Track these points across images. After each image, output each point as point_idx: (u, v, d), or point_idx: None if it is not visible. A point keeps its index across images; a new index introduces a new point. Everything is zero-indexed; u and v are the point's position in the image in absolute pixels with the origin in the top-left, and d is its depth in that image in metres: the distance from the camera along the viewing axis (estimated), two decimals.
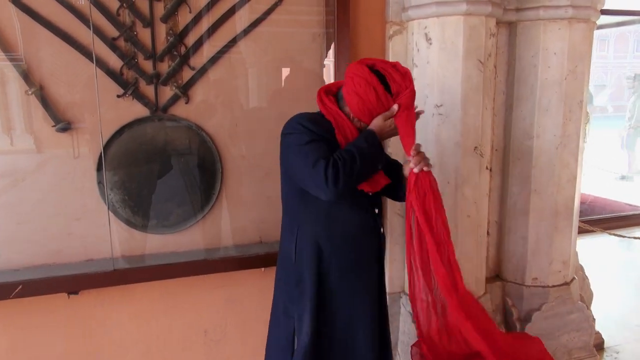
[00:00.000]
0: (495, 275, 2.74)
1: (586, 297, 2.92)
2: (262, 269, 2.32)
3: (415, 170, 1.65)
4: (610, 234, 4.27)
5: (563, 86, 2.40)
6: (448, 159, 2.30)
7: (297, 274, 1.74)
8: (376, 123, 1.63)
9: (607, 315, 3.23)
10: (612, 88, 7.38)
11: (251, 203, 2.35)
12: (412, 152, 1.64)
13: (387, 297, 2.57)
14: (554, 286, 2.59)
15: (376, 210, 1.78)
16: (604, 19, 3.27)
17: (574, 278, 2.69)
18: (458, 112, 2.25)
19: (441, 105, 2.27)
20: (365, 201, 1.74)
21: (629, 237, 4.23)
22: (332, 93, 1.72)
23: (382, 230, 1.82)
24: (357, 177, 1.57)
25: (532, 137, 2.47)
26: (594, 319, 2.72)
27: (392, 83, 1.60)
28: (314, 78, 2.35)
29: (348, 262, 1.73)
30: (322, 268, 1.70)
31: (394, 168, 1.84)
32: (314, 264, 1.69)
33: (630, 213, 5.43)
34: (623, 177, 7.26)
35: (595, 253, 4.36)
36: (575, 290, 2.68)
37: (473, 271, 2.43)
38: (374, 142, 1.60)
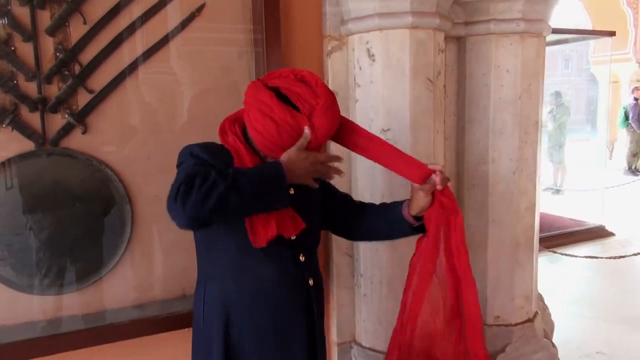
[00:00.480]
0: None
1: (548, 329, 2.73)
2: (186, 329, 1.92)
3: (439, 187, 1.43)
4: (557, 252, 4.18)
5: (518, 106, 2.19)
6: (397, 190, 2.02)
7: (206, 340, 1.42)
8: (287, 154, 1.28)
9: (566, 342, 3.05)
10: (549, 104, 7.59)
11: (170, 250, 1.96)
12: (430, 167, 1.43)
13: (335, 348, 2.25)
14: (517, 324, 2.36)
15: (302, 258, 1.43)
16: None
17: (536, 312, 2.48)
18: (408, 138, 1.98)
19: (388, 130, 2.00)
20: (285, 249, 1.39)
21: (581, 257, 4.14)
22: (242, 121, 1.39)
23: (313, 279, 1.46)
24: (228, 208, 1.18)
25: (487, 162, 2.25)
26: (557, 355, 2.51)
27: (299, 103, 1.27)
28: (238, 102, 2.01)
29: (265, 324, 1.39)
30: (233, 333, 1.37)
31: (344, 202, 1.58)
32: (222, 329, 1.37)
33: (576, 229, 5.43)
34: (557, 191, 7.40)
35: (546, 274, 4.25)
36: (539, 325, 2.46)
37: None
38: (275, 174, 1.23)
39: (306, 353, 1.43)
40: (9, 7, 1.65)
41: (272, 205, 1.26)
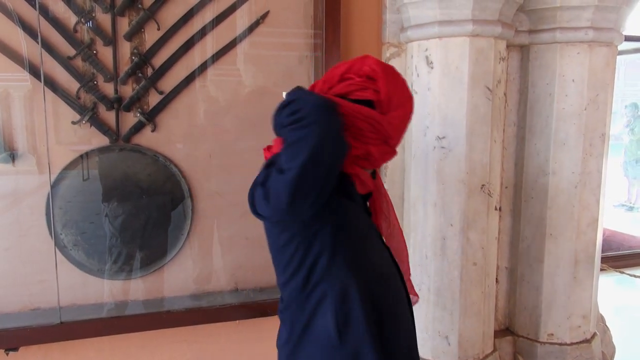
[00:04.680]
0: (506, 329, 2.41)
1: (608, 353, 2.59)
2: (237, 321, 2.02)
3: None
4: (624, 273, 3.93)
5: (583, 117, 2.11)
6: (451, 199, 2.01)
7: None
8: None
9: None
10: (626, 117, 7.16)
11: (226, 246, 2.06)
12: None
13: None
14: (572, 343, 2.26)
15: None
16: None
17: (595, 333, 2.36)
18: (463, 146, 1.97)
19: (444, 138, 1.99)
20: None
21: None
22: None
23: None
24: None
25: (547, 174, 2.18)
26: None
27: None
28: None
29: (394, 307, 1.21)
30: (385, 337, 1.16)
31: None
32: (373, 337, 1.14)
33: None
34: (630, 208, 6.95)
35: (611, 295, 4.01)
36: (597, 347, 2.35)
37: (480, 326, 2.11)
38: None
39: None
40: (94, 14, 1.81)
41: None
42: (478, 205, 2.03)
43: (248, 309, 2.00)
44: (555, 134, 2.14)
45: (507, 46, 2.11)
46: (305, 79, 2.07)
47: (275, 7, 2.02)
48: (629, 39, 4.14)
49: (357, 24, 2.08)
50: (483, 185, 2.03)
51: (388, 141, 1.14)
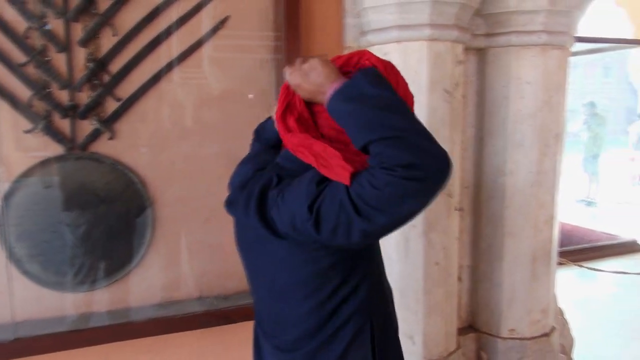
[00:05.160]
0: (469, 326, 2.47)
1: (567, 345, 2.68)
2: (201, 330, 1.99)
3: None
4: (583, 267, 4.08)
5: (538, 118, 2.18)
6: None
7: None
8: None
9: (588, 359, 2.98)
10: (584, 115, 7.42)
11: (190, 253, 2.04)
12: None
13: None
14: (532, 338, 2.34)
15: None
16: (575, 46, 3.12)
17: (554, 327, 2.44)
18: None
19: None
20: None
21: (609, 272, 4.03)
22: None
23: None
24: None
25: (505, 174, 2.24)
26: None
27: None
28: (263, 110, 2.07)
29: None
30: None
31: None
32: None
33: (607, 243, 5.27)
34: (590, 204, 7.19)
35: (572, 288, 4.15)
36: (555, 340, 2.43)
37: (443, 325, 2.16)
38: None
39: None
40: (46, 20, 1.76)
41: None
42: (439, 207, 2.07)
43: (212, 316, 1.99)
44: (511, 135, 2.21)
45: (465, 49, 2.15)
46: (266, 83, 2.07)
47: (236, 11, 2.00)
48: (584, 40, 4.30)
49: (317, 28, 2.09)
50: None
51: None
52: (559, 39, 2.15)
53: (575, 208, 6.82)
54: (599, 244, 5.29)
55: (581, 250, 5.04)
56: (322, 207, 0.90)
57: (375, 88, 0.92)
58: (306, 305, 1.04)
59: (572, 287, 4.25)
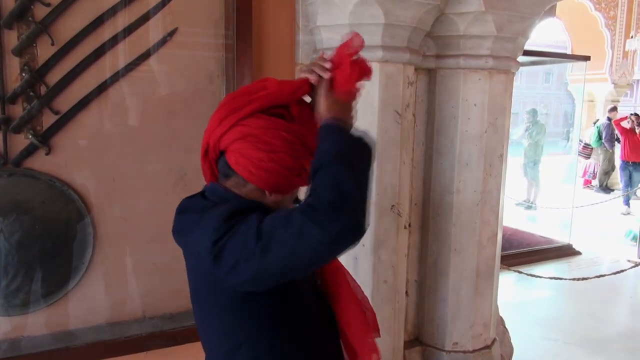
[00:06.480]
0: (415, 339, 2.52)
1: (507, 354, 2.79)
2: (146, 352, 1.93)
3: (324, 75, 1.03)
4: (522, 273, 4.26)
5: (484, 139, 2.24)
6: None
7: None
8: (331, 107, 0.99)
9: None
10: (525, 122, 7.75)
11: (133, 272, 1.96)
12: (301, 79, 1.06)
13: None
14: (474, 351, 2.41)
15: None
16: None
17: (495, 339, 2.54)
18: (373, 169, 2.01)
19: None
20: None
21: (545, 278, 4.24)
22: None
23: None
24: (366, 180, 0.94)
25: (452, 193, 2.29)
26: None
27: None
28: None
29: None
30: None
31: None
32: None
33: (544, 247, 5.54)
34: (529, 207, 7.52)
35: (510, 293, 4.34)
36: (496, 352, 2.52)
37: (391, 341, 2.19)
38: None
39: None
40: None
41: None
42: (388, 225, 2.09)
43: (157, 338, 1.92)
44: (459, 155, 2.26)
45: (416, 69, 2.18)
46: (215, 98, 2.01)
47: (185, 23, 1.94)
48: (526, 53, 4.48)
49: (270, 43, 2.06)
50: (393, 205, 2.09)
51: (313, 151, 0.99)
52: (505, 64, 2.22)
53: (515, 211, 7.12)
54: (537, 248, 5.57)
55: (521, 254, 5.28)
56: (227, 243, 0.90)
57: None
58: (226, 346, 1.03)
59: (511, 291, 4.45)
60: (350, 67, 1.01)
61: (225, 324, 1.01)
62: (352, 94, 1.03)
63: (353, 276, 1.92)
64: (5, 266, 1.76)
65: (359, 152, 0.95)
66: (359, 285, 1.20)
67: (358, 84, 1.03)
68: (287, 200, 1.08)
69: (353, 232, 0.87)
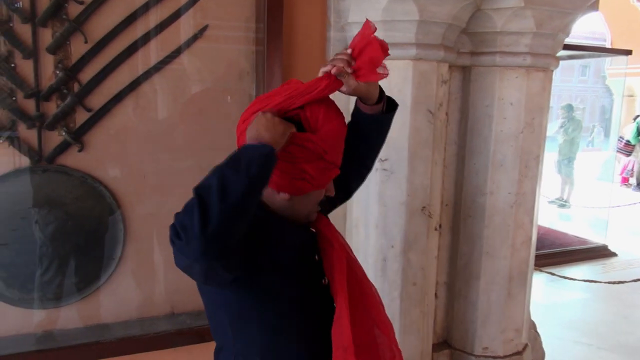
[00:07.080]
0: (444, 341, 2.47)
1: (538, 359, 2.72)
2: (172, 349, 1.94)
3: (348, 69, 1.08)
4: (555, 275, 4.14)
5: (519, 140, 2.16)
6: (392, 220, 2.02)
7: None
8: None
9: None
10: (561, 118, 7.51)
11: (162, 269, 1.98)
12: (323, 72, 1.11)
13: None
14: (505, 356, 2.35)
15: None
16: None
17: (526, 345, 2.47)
18: (404, 169, 1.97)
19: (386, 160, 1.98)
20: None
21: (579, 280, 4.11)
22: None
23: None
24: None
25: (485, 194, 2.23)
26: None
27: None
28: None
29: None
30: None
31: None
32: None
33: (578, 247, 5.37)
34: (563, 205, 7.31)
35: (542, 294, 4.23)
36: (527, 358, 2.45)
37: (419, 344, 2.15)
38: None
39: None
40: (11, 24, 1.66)
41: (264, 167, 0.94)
42: (418, 227, 2.05)
43: (185, 334, 1.94)
44: (493, 155, 2.19)
45: (450, 67, 2.12)
46: (246, 96, 2.00)
47: (215, 20, 1.93)
48: (564, 47, 4.33)
49: (300, 41, 2.03)
50: (424, 207, 2.05)
51: (324, 157, 1.05)
52: (543, 61, 2.13)
53: (548, 209, 6.92)
54: (570, 248, 5.40)
55: (552, 255, 5.14)
56: None
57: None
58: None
59: (541, 292, 4.33)
60: (378, 42, 1.05)
61: (217, 320, 1.15)
62: (383, 74, 1.08)
63: (382, 277, 1.89)
64: (40, 257, 1.79)
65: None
66: (373, 287, 1.21)
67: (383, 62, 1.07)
68: (304, 203, 1.09)
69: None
